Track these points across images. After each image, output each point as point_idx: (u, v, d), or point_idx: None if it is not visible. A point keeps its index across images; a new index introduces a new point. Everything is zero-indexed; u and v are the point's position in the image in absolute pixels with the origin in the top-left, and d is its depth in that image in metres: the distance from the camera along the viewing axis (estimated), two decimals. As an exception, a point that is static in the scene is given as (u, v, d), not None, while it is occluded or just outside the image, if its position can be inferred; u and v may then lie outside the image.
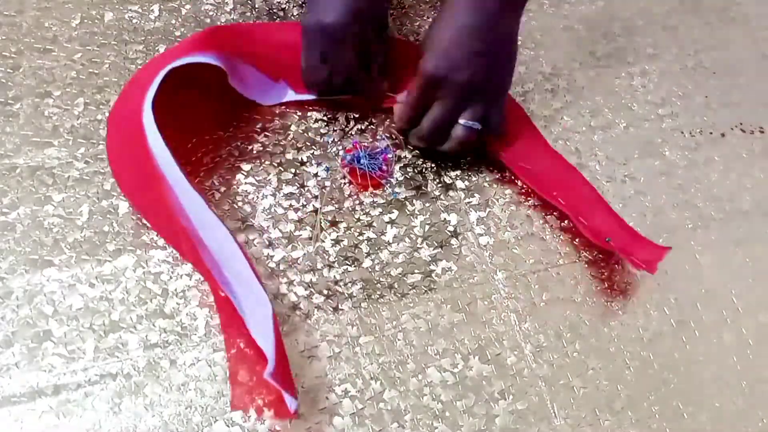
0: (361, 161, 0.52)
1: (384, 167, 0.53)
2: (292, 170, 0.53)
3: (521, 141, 0.55)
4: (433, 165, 0.55)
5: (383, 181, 0.53)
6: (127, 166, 0.49)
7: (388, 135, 0.56)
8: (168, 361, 0.44)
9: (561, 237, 0.53)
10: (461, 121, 0.51)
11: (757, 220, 0.57)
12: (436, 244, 0.51)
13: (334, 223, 0.51)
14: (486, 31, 0.49)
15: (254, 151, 0.53)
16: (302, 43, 0.52)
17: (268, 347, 0.41)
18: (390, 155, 0.54)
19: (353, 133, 0.55)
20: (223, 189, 0.51)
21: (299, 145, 0.54)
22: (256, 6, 0.62)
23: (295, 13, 0.61)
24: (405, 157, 0.55)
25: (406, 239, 0.51)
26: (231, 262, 0.44)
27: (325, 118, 0.56)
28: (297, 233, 0.50)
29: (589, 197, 0.53)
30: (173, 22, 0.60)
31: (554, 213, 0.54)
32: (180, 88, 0.51)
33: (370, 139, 0.55)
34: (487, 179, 0.55)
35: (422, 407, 0.44)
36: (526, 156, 0.54)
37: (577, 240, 0.53)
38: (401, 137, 0.55)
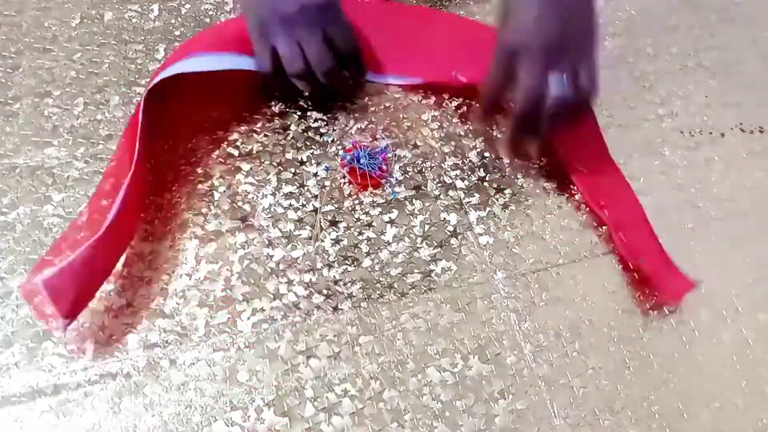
0: (361, 161, 0.52)
1: (383, 167, 0.53)
2: (292, 170, 0.53)
3: (586, 144, 0.55)
4: (432, 165, 0.55)
5: (383, 181, 0.53)
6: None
7: (387, 134, 0.56)
8: (168, 361, 0.44)
9: (561, 237, 0.53)
10: (552, 93, 0.46)
11: (757, 220, 0.57)
12: (436, 244, 0.51)
13: (333, 223, 0.51)
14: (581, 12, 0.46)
15: (254, 151, 0.53)
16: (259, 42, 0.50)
17: (67, 258, 0.40)
18: (389, 155, 0.54)
19: (353, 132, 0.55)
20: (223, 189, 0.51)
21: (299, 145, 0.54)
22: (256, 6, 0.62)
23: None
24: (405, 156, 0.55)
25: (406, 239, 0.51)
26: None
27: (325, 117, 0.56)
28: (297, 233, 0.50)
29: (635, 215, 0.53)
30: (173, 21, 0.60)
31: (553, 213, 0.54)
32: (179, 89, 0.51)
33: (370, 139, 0.55)
34: (487, 179, 0.55)
35: (422, 407, 0.44)
36: (587, 159, 0.55)
37: (577, 240, 0.53)
38: (401, 135, 0.55)
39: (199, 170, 0.52)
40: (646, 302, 0.51)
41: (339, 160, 0.53)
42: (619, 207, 0.53)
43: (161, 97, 0.51)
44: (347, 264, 0.49)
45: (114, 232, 0.43)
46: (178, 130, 0.53)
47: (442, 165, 0.55)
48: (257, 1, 0.50)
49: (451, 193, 0.54)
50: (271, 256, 0.49)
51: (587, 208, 0.54)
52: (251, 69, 0.52)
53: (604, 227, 0.53)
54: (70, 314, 0.41)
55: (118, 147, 0.49)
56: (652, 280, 0.50)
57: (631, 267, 0.51)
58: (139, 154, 0.46)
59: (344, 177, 0.53)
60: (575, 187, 0.55)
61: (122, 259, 0.47)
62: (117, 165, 0.48)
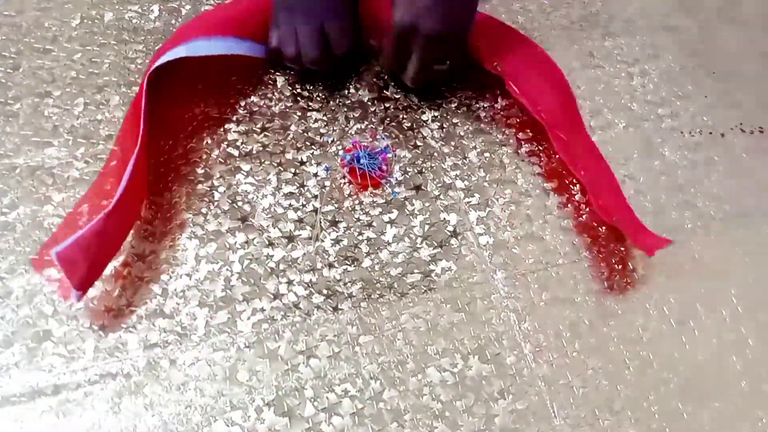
0: (361, 161, 0.52)
1: (383, 167, 0.53)
2: (292, 170, 0.53)
3: (564, 115, 0.58)
4: (433, 165, 0.55)
5: (382, 181, 0.53)
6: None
7: (387, 134, 0.56)
8: (168, 361, 0.44)
9: (561, 237, 0.53)
10: (436, 67, 0.54)
11: (757, 220, 0.57)
12: (436, 244, 0.51)
13: (333, 223, 0.51)
14: None
15: (254, 151, 0.53)
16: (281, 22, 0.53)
17: (78, 232, 0.42)
18: (389, 155, 0.54)
19: (353, 132, 0.55)
20: (223, 189, 0.51)
21: (299, 145, 0.54)
22: (256, 6, 0.62)
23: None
24: (405, 156, 0.55)
25: (406, 239, 0.51)
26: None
27: (324, 118, 0.56)
28: (297, 233, 0.50)
29: (608, 178, 0.55)
30: (173, 22, 0.60)
31: (553, 213, 0.54)
32: (179, 88, 0.51)
33: (370, 139, 0.55)
34: (487, 179, 0.55)
35: (422, 407, 0.44)
36: (565, 129, 0.56)
37: (576, 240, 0.53)
38: (401, 135, 0.56)
39: (199, 170, 0.52)
40: (609, 279, 0.52)
41: (339, 160, 0.53)
42: (593, 171, 0.55)
43: (159, 94, 0.51)
44: (347, 264, 0.49)
45: (123, 206, 0.45)
46: (178, 130, 0.53)
47: (442, 165, 0.55)
48: None
49: (451, 193, 0.54)
50: (271, 256, 0.49)
51: (562, 172, 0.56)
52: (250, 54, 0.55)
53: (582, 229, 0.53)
54: (83, 286, 0.42)
55: (122, 127, 0.51)
56: (629, 236, 0.52)
57: (607, 224, 0.53)
58: (144, 129, 0.47)
59: (344, 177, 0.53)
60: (575, 189, 0.55)
61: (122, 259, 0.47)
62: (121, 141, 0.50)
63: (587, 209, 0.54)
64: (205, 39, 0.52)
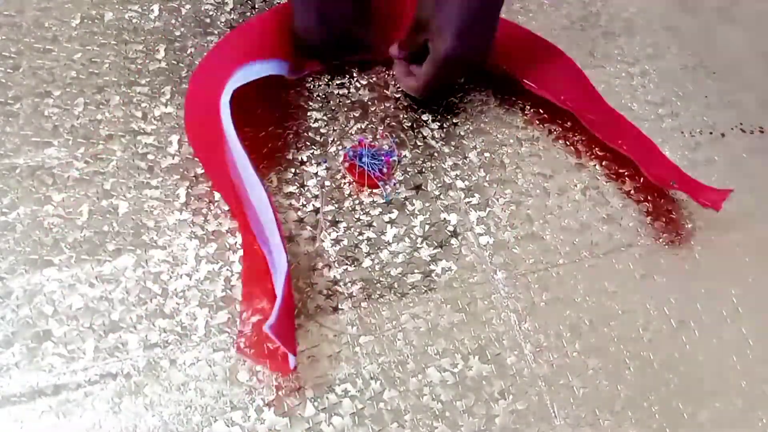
0: (363, 159, 0.52)
1: (384, 169, 0.53)
2: (292, 170, 0.53)
3: (589, 100, 0.59)
4: (433, 165, 0.55)
5: (380, 183, 0.53)
6: (201, 126, 0.52)
7: (394, 136, 0.56)
8: (168, 361, 0.44)
9: (561, 237, 0.53)
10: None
11: (757, 220, 0.57)
12: (436, 244, 0.51)
13: (333, 223, 0.51)
14: (494, 8, 0.52)
15: (254, 151, 0.53)
16: (295, 7, 0.54)
17: (276, 302, 0.42)
18: (393, 158, 0.54)
19: (353, 132, 0.55)
20: (223, 189, 0.51)
21: (299, 145, 0.54)
22: (256, 6, 0.62)
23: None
24: (405, 156, 0.55)
25: (406, 239, 0.51)
26: (268, 221, 0.46)
27: (325, 118, 0.56)
28: (297, 233, 0.50)
29: (648, 145, 0.56)
30: (173, 22, 0.60)
31: (553, 213, 0.54)
32: None
33: (370, 138, 0.55)
34: (487, 179, 0.55)
35: (422, 407, 0.44)
36: (594, 111, 0.58)
37: (577, 240, 0.53)
38: (401, 135, 0.56)
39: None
40: (671, 233, 0.53)
41: (342, 155, 0.53)
42: (632, 141, 0.56)
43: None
44: (347, 264, 0.49)
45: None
46: (177, 130, 0.53)
47: (442, 165, 0.55)
48: None
49: (451, 193, 0.54)
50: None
51: (601, 150, 0.57)
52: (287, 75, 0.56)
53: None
54: (294, 349, 0.43)
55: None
56: (690, 195, 0.54)
57: (666, 189, 0.55)
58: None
59: (343, 174, 0.53)
60: (575, 189, 0.55)
61: (122, 261, 0.47)
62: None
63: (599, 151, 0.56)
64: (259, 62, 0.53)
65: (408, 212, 0.52)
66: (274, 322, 0.41)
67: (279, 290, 0.43)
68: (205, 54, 0.55)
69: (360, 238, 0.50)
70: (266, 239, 0.46)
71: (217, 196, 0.50)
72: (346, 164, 0.53)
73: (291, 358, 0.42)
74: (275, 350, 0.43)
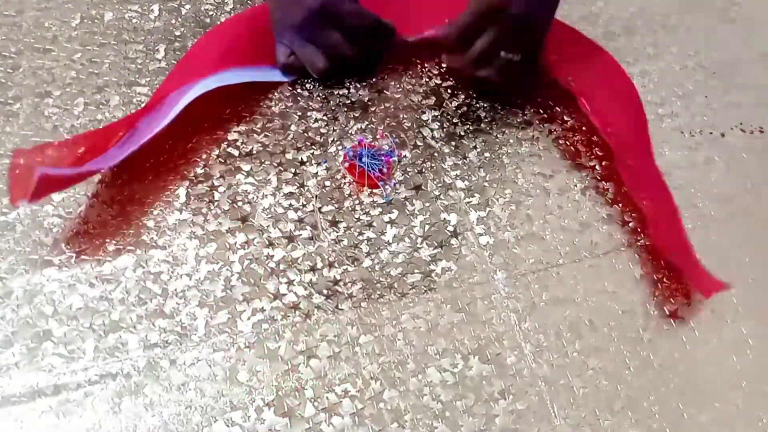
0: (363, 159, 0.52)
1: (384, 169, 0.53)
2: (292, 170, 0.53)
3: (631, 137, 0.57)
4: (433, 165, 0.55)
5: (380, 183, 0.53)
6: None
7: (394, 136, 0.56)
8: (168, 361, 0.44)
9: (561, 237, 0.53)
10: (502, 53, 0.53)
11: (757, 220, 0.57)
12: (436, 244, 0.51)
13: (333, 223, 0.51)
14: None
15: (254, 151, 0.53)
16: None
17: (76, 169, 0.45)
18: (393, 158, 0.54)
19: (353, 132, 0.55)
20: (223, 189, 0.51)
21: (299, 145, 0.54)
22: (256, 4, 0.62)
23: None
24: (405, 156, 0.55)
25: (406, 239, 0.51)
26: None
27: (325, 118, 0.56)
28: (297, 233, 0.50)
29: (669, 210, 0.54)
30: (173, 21, 0.60)
31: (553, 213, 0.54)
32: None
33: (370, 138, 0.55)
34: (487, 179, 0.55)
35: (422, 407, 0.44)
36: (633, 154, 0.56)
37: (577, 240, 0.53)
38: (401, 135, 0.56)
39: (199, 170, 0.52)
40: (664, 304, 0.51)
41: (342, 155, 0.53)
42: (656, 202, 0.54)
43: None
44: (347, 264, 0.49)
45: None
46: (178, 130, 0.53)
47: (442, 165, 0.55)
48: (272, 7, 0.55)
49: (451, 193, 0.54)
50: (272, 256, 0.48)
51: (620, 202, 0.55)
52: (273, 79, 0.57)
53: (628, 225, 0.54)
54: (33, 201, 0.44)
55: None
56: (684, 274, 0.51)
57: (662, 261, 0.52)
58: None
59: (344, 174, 0.53)
60: (575, 189, 0.55)
61: (122, 261, 0.47)
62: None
63: (620, 201, 0.54)
64: (235, 70, 0.54)
65: (408, 212, 0.52)
66: (50, 174, 0.43)
67: (81, 169, 0.45)
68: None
69: (360, 238, 0.50)
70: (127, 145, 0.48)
71: (216, 195, 0.51)
72: (346, 164, 0.53)
73: (24, 202, 0.43)
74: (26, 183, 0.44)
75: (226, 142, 0.53)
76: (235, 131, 0.54)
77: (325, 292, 0.48)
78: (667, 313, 0.50)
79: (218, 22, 0.60)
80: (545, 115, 0.59)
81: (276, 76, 0.57)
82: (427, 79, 0.60)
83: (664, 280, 0.51)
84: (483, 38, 0.53)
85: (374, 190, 0.53)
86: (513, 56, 0.53)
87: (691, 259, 0.52)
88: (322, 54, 0.55)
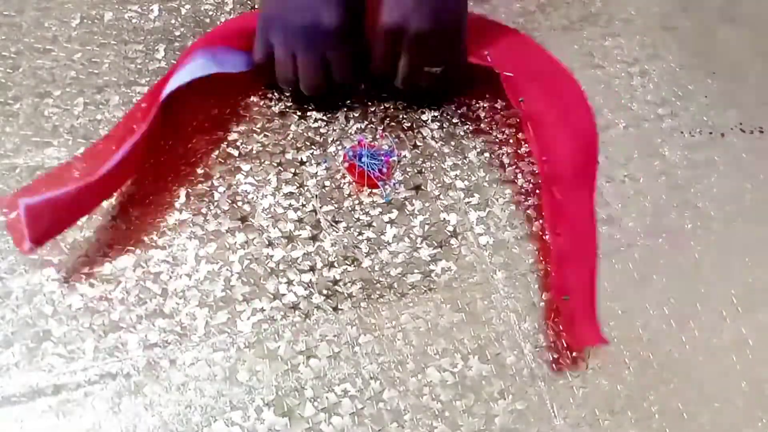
0: (362, 159, 0.52)
1: (383, 169, 0.53)
2: (292, 170, 0.53)
3: (579, 169, 0.55)
4: (432, 165, 0.55)
5: (380, 183, 0.53)
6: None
7: (394, 136, 0.56)
8: (167, 361, 0.44)
9: (561, 237, 0.53)
10: (425, 68, 0.52)
11: (757, 221, 0.57)
12: (436, 244, 0.51)
13: (333, 223, 0.51)
14: None
15: (254, 151, 0.53)
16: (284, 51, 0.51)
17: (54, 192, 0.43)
18: (393, 158, 0.54)
19: (353, 132, 0.55)
20: (223, 189, 0.51)
21: (299, 145, 0.54)
22: (256, 6, 0.62)
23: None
24: (405, 156, 0.55)
25: (406, 239, 0.51)
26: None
27: (324, 118, 0.56)
28: (297, 233, 0.50)
29: (587, 248, 0.51)
30: (173, 21, 0.60)
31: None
32: (178, 89, 0.51)
33: (370, 138, 0.55)
34: (487, 179, 0.55)
35: (422, 407, 0.44)
36: (568, 184, 0.53)
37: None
38: (401, 135, 0.56)
39: (199, 170, 0.52)
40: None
41: (341, 155, 0.53)
42: (573, 241, 0.51)
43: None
44: (347, 264, 0.49)
45: (106, 181, 0.46)
46: (178, 130, 0.53)
47: (442, 165, 0.55)
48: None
49: (451, 193, 0.54)
50: (271, 256, 0.49)
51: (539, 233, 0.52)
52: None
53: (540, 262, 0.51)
54: (39, 241, 0.43)
55: (132, 110, 0.51)
56: (567, 320, 0.48)
57: (553, 302, 0.49)
58: (157, 114, 0.48)
59: (343, 174, 0.53)
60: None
61: (122, 261, 0.47)
62: (126, 121, 0.50)
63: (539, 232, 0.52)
64: (211, 56, 0.52)
65: (408, 212, 0.52)
66: (35, 202, 0.42)
67: (60, 191, 0.43)
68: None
69: (360, 238, 0.50)
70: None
71: (216, 195, 0.51)
72: (346, 164, 0.53)
73: (27, 245, 0.42)
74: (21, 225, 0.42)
75: (225, 142, 0.53)
76: (235, 131, 0.54)
77: (324, 292, 0.48)
78: (550, 359, 0.47)
79: (218, 22, 0.60)
80: (545, 115, 0.59)
81: (240, 66, 0.54)
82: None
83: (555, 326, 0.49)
84: (401, 63, 0.52)
85: (374, 190, 0.53)
86: (435, 70, 0.52)
87: (584, 309, 0.48)
88: (294, 67, 0.52)
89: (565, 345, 0.47)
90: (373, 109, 0.57)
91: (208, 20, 0.60)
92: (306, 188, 0.52)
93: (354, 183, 0.52)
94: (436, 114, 0.58)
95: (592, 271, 0.50)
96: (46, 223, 0.43)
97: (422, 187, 0.54)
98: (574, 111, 0.57)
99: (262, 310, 0.46)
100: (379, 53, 0.52)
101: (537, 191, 0.54)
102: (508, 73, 0.55)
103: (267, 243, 0.49)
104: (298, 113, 0.56)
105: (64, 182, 0.45)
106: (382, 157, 0.53)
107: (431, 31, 0.49)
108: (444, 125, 0.57)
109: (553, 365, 0.47)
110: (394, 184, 0.53)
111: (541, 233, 0.52)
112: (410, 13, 0.48)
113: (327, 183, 0.52)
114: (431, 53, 0.52)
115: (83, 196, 0.45)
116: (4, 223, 0.44)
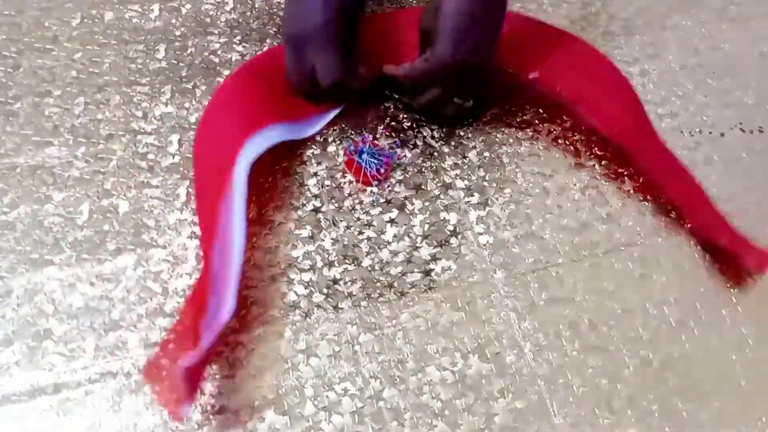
0: (362, 156, 0.52)
1: (382, 169, 0.53)
2: (292, 170, 0.53)
3: (641, 126, 0.58)
4: (433, 165, 0.55)
5: (375, 182, 0.53)
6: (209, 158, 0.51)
7: (394, 136, 0.56)
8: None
9: (561, 236, 0.53)
10: (456, 100, 0.54)
11: (757, 220, 0.57)
12: (436, 243, 0.51)
13: (333, 223, 0.51)
14: (488, 17, 0.50)
15: (254, 151, 0.53)
16: (286, 55, 0.52)
17: (204, 341, 0.40)
18: (393, 159, 0.54)
19: (353, 132, 0.55)
20: (223, 188, 0.51)
21: (299, 145, 0.54)
22: (256, 6, 0.62)
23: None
24: (405, 156, 0.55)
25: (406, 238, 0.51)
26: (233, 264, 0.44)
27: (325, 117, 0.56)
28: (297, 232, 0.50)
29: (699, 193, 0.55)
30: (173, 21, 0.60)
31: (553, 212, 0.54)
32: None
33: (370, 137, 0.55)
34: (487, 178, 0.55)
35: (422, 406, 0.44)
36: (641, 143, 0.56)
37: (576, 239, 0.53)
38: (401, 135, 0.56)
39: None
40: (728, 277, 0.52)
41: (343, 151, 0.54)
42: (683, 187, 0.55)
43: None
44: (347, 263, 0.49)
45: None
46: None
47: (442, 165, 0.55)
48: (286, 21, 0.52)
49: (451, 192, 0.54)
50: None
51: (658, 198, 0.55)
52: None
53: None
54: (193, 399, 0.40)
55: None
56: (735, 254, 0.52)
57: (712, 245, 0.53)
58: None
59: (341, 172, 0.53)
60: (575, 189, 0.55)
61: (123, 260, 0.47)
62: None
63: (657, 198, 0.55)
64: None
65: (408, 212, 0.52)
66: (191, 364, 0.38)
67: (208, 337, 0.40)
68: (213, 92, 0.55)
69: (360, 237, 0.50)
70: (222, 280, 0.43)
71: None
72: (345, 158, 0.53)
73: (187, 408, 0.39)
74: (175, 387, 0.40)
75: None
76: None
77: (325, 291, 0.48)
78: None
79: (218, 23, 0.60)
80: (545, 115, 0.59)
81: (307, 131, 0.54)
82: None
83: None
84: (433, 91, 0.53)
85: (366, 188, 0.53)
86: (465, 103, 0.54)
87: (738, 239, 0.52)
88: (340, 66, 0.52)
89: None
90: (373, 109, 0.57)
91: (208, 20, 0.60)
92: (306, 188, 0.52)
93: (353, 180, 0.53)
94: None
95: (718, 212, 0.54)
96: (199, 380, 0.41)
97: (422, 187, 0.54)
98: (612, 84, 0.59)
99: (263, 309, 0.46)
100: (415, 76, 0.52)
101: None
102: (533, 74, 0.57)
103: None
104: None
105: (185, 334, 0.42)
106: (383, 158, 0.53)
107: (479, 63, 0.51)
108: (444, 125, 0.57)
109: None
110: (388, 186, 0.53)
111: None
112: (472, 50, 0.50)
113: (327, 182, 0.53)
114: (468, 87, 0.54)
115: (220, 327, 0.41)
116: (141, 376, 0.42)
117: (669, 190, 0.54)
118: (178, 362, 0.39)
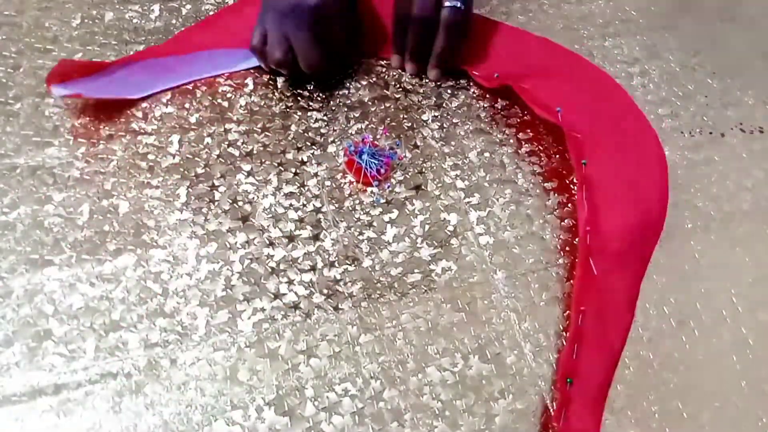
0: (363, 156, 0.52)
1: (382, 170, 0.53)
2: (293, 170, 0.53)
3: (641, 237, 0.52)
4: (433, 165, 0.55)
5: (374, 182, 0.53)
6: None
7: (394, 136, 0.56)
8: (168, 361, 0.44)
9: (561, 236, 0.53)
10: (446, 3, 0.55)
11: (757, 220, 0.57)
12: (436, 244, 0.51)
13: (333, 223, 0.51)
14: None
15: (254, 151, 0.53)
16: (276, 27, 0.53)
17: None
18: (393, 159, 0.54)
19: (353, 132, 0.55)
20: (223, 189, 0.51)
21: (299, 145, 0.54)
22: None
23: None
24: (405, 156, 0.55)
25: (406, 239, 0.51)
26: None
27: (325, 118, 0.56)
28: (297, 232, 0.50)
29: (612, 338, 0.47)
30: (173, 21, 0.60)
31: (553, 212, 0.54)
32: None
33: (371, 138, 0.55)
34: (487, 179, 0.55)
35: (422, 406, 0.44)
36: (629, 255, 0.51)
37: (576, 240, 0.53)
38: (401, 135, 0.56)
39: (199, 170, 0.52)
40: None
41: (343, 151, 0.54)
42: (601, 322, 0.48)
43: (158, 94, 0.53)
44: (347, 264, 0.49)
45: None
46: (177, 130, 0.53)
47: (442, 165, 0.55)
48: None
49: (451, 193, 0.54)
50: (272, 256, 0.49)
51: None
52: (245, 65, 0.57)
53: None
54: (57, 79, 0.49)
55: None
56: (562, 405, 0.44)
57: (555, 385, 0.46)
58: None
59: (341, 173, 0.53)
60: (574, 189, 0.55)
61: (123, 260, 0.47)
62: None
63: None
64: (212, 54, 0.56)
65: (408, 212, 0.52)
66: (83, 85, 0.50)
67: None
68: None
69: (360, 237, 0.50)
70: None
71: (217, 195, 0.51)
72: (345, 159, 0.53)
73: (60, 88, 0.50)
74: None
75: (226, 142, 0.53)
76: (235, 131, 0.54)
77: (325, 291, 0.48)
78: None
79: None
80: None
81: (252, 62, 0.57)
82: (427, 79, 0.60)
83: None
84: (436, 44, 0.57)
85: (366, 189, 0.53)
86: (456, 3, 0.55)
87: (586, 400, 0.45)
88: (287, 46, 0.53)
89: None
90: (373, 109, 0.57)
91: (208, 20, 0.60)
92: (307, 188, 0.52)
93: (353, 180, 0.53)
94: (436, 114, 0.58)
95: (612, 363, 0.46)
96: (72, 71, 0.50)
97: (422, 187, 0.54)
98: (645, 180, 0.54)
99: (263, 309, 0.46)
100: (394, 32, 0.58)
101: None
102: (576, 134, 0.52)
103: (268, 243, 0.49)
104: (299, 113, 0.56)
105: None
106: (383, 159, 0.53)
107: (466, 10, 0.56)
108: (444, 125, 0.57)
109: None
110: (388, 187, 0.53)
111: (567, 302, 0.49)
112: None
113: (327, 183, 0.53)
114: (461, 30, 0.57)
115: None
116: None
117: (581, 317, 0.47)
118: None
